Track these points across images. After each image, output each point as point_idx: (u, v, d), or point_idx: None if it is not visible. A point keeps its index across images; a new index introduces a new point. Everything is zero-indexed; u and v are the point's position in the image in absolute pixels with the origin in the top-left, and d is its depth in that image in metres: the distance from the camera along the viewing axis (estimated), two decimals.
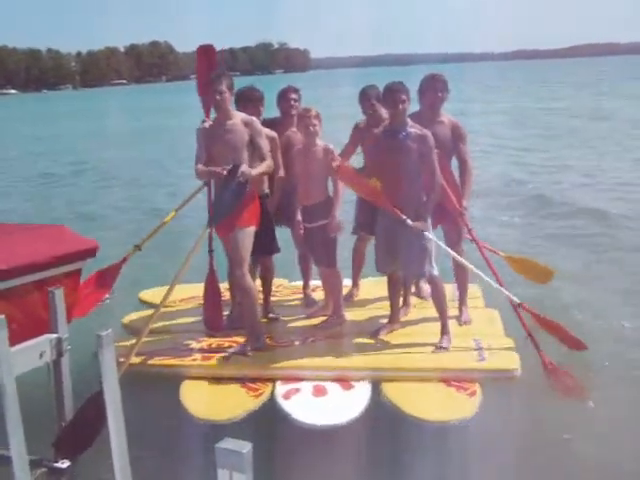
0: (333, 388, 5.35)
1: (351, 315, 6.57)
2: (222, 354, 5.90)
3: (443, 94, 6.26)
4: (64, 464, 4.57)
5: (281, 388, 5.35)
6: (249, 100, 6.45)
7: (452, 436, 4.96)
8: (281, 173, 6.42)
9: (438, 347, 5.82)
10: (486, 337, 6.02)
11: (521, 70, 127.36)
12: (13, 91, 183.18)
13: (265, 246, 6.31)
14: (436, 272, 5.89)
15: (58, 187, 19.41)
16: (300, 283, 7.29)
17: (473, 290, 6.90)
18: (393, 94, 5.67)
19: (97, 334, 3.17)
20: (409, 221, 5.68)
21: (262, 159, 5.89)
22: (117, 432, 3.24)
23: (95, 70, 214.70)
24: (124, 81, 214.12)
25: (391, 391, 5.22)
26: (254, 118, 6.00)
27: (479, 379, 5.38)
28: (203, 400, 5.32)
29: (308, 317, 6.67)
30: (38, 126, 46.57)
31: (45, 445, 4.50)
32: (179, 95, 60.54)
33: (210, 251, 6.44)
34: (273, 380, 5.49)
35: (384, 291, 6.36)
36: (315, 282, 7.15)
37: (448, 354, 5.74)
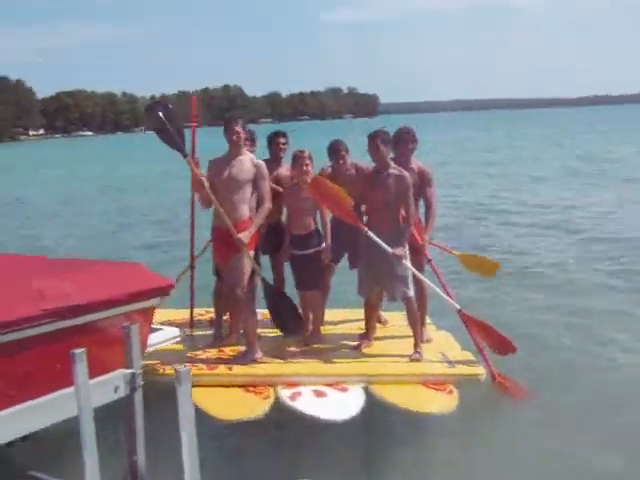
0: (330, 392, 6.09)
1: (326, 333, 7.37)
2: (225, 364, 6.51)
3: (413, 145, 7.17)
4: None
5: (285, 392, 6.03)
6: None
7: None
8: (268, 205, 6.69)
9: (413, 357, 6.69)
10: (447, 351, 6.90)
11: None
12: (89, 133, 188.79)
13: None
14: (411, 293, 6.72)
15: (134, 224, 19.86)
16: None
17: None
18: (373, 140, 6.55)
19: (175, 369, 3.24)
20: (387, 247, 6.47)
21: (261, 201, 6.47)
22: (191, 467, 3.28)
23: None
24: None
25: (382, 392, 6.06)
26: (262, 162, 6.56)
27: (453, 382, 6.26)
28: (218, 404, 5.83)
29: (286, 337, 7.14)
30: (113, 165, 47.89)
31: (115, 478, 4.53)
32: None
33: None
34: (274, 385, 6.17)
35: (344, 316, 7.77)
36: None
37: (423, 363, 6.63)
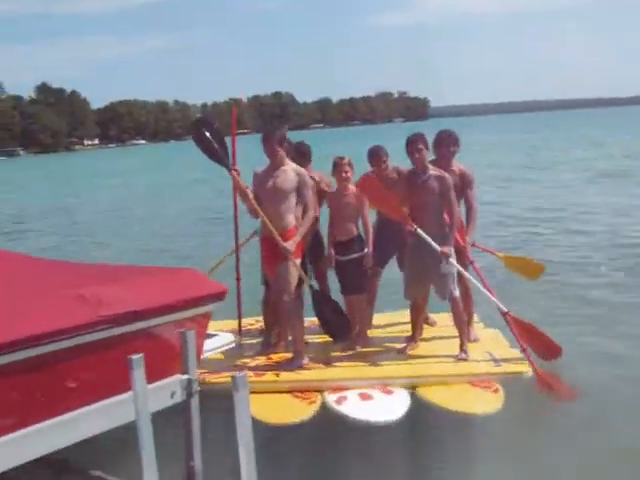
0: (376, 394, 6.13)
1: (372, 336, 7.44)
2: (272, 371, 6.61)
3: (455, 148, 7.22)
4: None
5: (331, 397, 6.08)
6: (299, 153, 7.16)
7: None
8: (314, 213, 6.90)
9: (459, 357, 6.71)
10: (494, 349, 6.91)
11: None
12: (142, 141, 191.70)
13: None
14: (457, 293, 6.80)
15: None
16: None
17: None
18: (413, 145, 6.67)
19: (232, 376, 3.25)
20: (435, 245, 6.59)
21: (305, 209, 6.58)
22: (248, 473, 3.27)
23: (219, 120, 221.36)
24: (247, 130, 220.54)
25: (428, 394, 6.09)
26: (304, 171, 6.67)
27: (499, 380, 6.26)
28: (265, 409, 5.81)
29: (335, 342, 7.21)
30: (167, 174, 48.46)
31: None
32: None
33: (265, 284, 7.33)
34: (320, 391, 6.22)
35: (390, 320, 7.83)
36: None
37: (469, 362, 6.64)
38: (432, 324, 7.79)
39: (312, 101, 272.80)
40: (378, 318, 7.93)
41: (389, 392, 6.17)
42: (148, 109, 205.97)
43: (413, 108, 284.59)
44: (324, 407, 5.99)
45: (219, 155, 6.78)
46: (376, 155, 7.24)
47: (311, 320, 7.46)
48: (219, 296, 5.48)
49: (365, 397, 6.09)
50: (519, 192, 23.38)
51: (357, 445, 5.83)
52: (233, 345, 6.98)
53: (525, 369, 6.47)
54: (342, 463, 5.70)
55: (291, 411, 5.92)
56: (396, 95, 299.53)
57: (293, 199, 6.55)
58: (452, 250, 6.74)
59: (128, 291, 4.74)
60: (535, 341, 6.79)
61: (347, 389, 6.23)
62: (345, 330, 6.93)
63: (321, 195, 7.26)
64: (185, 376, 4.55)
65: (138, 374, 3.75)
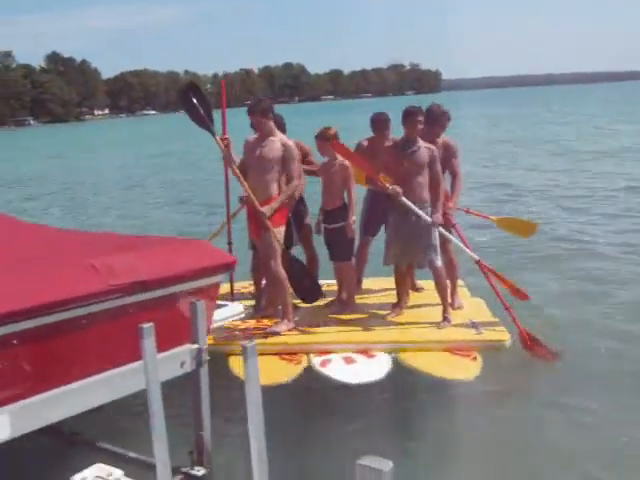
0: (359, 358, 6.42)
1: (358, 302, 7.68)
2: (261, 334, 6.83)
3: (446, 124, 7.56)
4: (200, 472, 4.67)
5: (316, 359, 6.38)
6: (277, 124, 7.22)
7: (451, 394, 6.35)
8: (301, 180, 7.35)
9: (441, 324, 6.97)
10: (478, 317, 7.11)
11: None
12: (153, 112, 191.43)
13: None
14: (439, 263, 7.06)
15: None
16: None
17: (459, 285, 7.95)
18: (414, 116, 6.92)
19: (242, 344, 3.26)
20: (424, 215, 6.86)
21: (289, 180, 6.78)
22: (257, 439, 3.29)
23: (230, 91, 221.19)
24: (225, 106, 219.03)
25: (408, 358, 6.36)
26: (291, 143, 6.87)
27: (478, 348, 6.52)
28: None
29: (324, 306, 7.64)
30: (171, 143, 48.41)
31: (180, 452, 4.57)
32: (310, 116, 61.58)
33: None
34: (307, 353, 6.52)
35: (382, 285, 7.93)
36: (325, 281, 7.93)
37: (450, 329, 6.90)
38: (419, 291, 8.09)
39: (323, 72, 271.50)
40: (369, 284, 8.27)
41: (371, 356, 6.46)
42: (158, 79, 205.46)
43: (425, 80, 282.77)
44: (309, 369, 6.28)
45: (205, 121, 7.02)
46: (378, 122, 7.60)
47: None
48: (228, 267, 5.50)
49: (348, 360, 6.39)
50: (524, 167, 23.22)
51: (340, 404, 6.07)
52: (242, 316, 7.01)
53: (505, 337, 6.71)
54: (324, 421, 5.87)
55: (278, 372, 6.15)
56: (408, 67, 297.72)
57: (278, 169, 6.76)
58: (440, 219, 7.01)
59: (139, 261, 4.74)
60: (505, 284, 7.22)
61: (332, 352, 6.51)
62: (314, 293, 7.29)
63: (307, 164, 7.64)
64: (195, 346, 4.55)
65: (148, 343, 3.76)
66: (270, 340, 6.71)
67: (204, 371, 4.65)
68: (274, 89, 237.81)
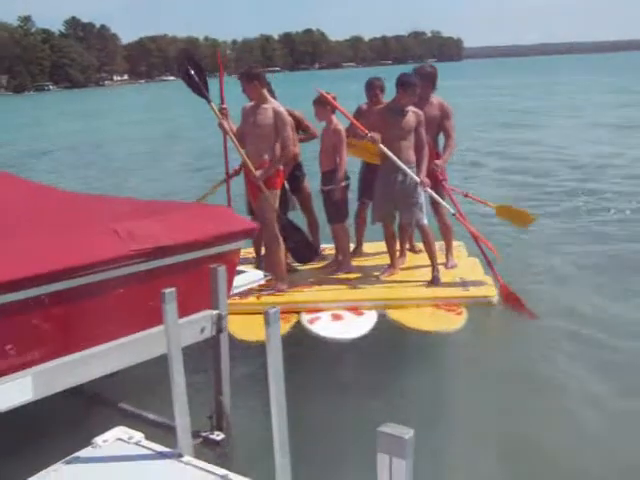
0: (347, 315, 6.69)
1: (356, 264, 7.93)
2: (255, 294, 7.01)
3: (433, 88, 7.72)
4: (219, 436, 4.72)
5: (306, 317, 6.61)
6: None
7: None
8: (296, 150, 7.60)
9: (429, 282, 7.25)
10: (468, 276, 7.41)
11: None
12: (171, 77, 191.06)
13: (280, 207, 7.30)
14: (425, 221, 7.33)
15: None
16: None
17: (458, 245, 8.33)
18: (405, 83, 7.10)
19: (265, 310, 3.26)
20: (414, 175, 7.12)
21: (281, 145, 6.94)
22: (278, 407, 3.30)
23: (249, 58, 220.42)
24: (277, 68, 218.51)
25: (395, 315, 6.64)
26: (282, 110, 7.02)
27: (464, 303, 6.79)
28: (245, 329, 6.28)
29: (322, 268, 7.92)
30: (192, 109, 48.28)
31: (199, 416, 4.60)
32: (330, 82, 61.17)
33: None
34: (298, 312, 6.74)
35: (382, 249, 7.83)
36: (326, 245, 8.42)
37: (437, 287, 7.17)
38: (417, 252, 8.30)
39: (344, 39, 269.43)
40: (370, 247, 8.49)
41: (360, 313, 6.73)
42: (177, 45, 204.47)
43: (446, 48, 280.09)
44: (299, 326, 6.52)
45: (200, 88, 7.21)
46: (371, 86, 7.87)
47: None
48: (249, 232, 5.52)
49: (336, 317, 6.65)
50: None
51: (328, 360, 6.25)
52: (262, 282, 7.03)
53: (491, 293, 7.02)
54: (311, 376, 5.93)
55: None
56: (429, 35, 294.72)
57: (271, 135, 6.95)
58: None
59: (160, 226, 4.77)
60: (482, 241, 7.66)
61: (321, 310, 6.76)
62: (308, 254, 7.64)
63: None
64: (215, 312, 4.58)
65: (170, 308, 3.77)
66: (262, 300, 6.90)
67: (224, 337, 4.68)
68: (294, 56, 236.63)
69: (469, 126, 23.85)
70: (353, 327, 6.44)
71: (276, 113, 6.93)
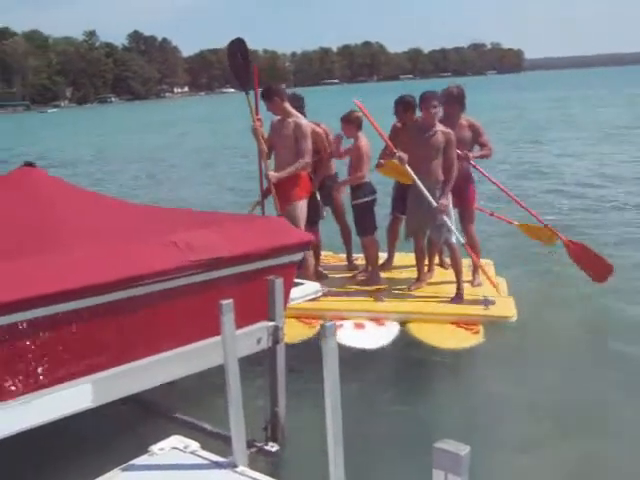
0: (369, 325, 6.93)
1: (385, 276, 8.11)
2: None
3: (461, 107, 7.70)
4: (273, 447, 4.73)
5: (321, 323, 6.18)
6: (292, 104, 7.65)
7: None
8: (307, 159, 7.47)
9: (452, 299, 7.34)
10: (492, 295, 7.36)
11: None
12: (231, 90, 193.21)
13: (311, 217, 7.62)
14: (454, 240, 7.38)
15: None
16: (344, 255, 8.79)
17: (487, 264, 8.24)
18: (428, 101, 7.16)
19: (322, 324, 3.26)
20: (432, 200, 7.17)
21: (298, 156, 7.28)
22: (334, 418, 3.29)
23: (308, 70, 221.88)
24: (336, 81, 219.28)
25: (414, 328, 6.83)
26: (300, 122, 7.36)
27: (482, 322, 6.88)
28: None
29: (351, 277, 8.18)
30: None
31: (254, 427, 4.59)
32: (387, 95, 61.09)
33: None
34: (323, 318, 6.73)
35: (412, 262, 7.91)
36: (359, 255, 8.55)
37: (459, 304, 7.25)
38: (447, 268, 8.30)
39: (402, 51, 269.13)
40: (400, 259, 8.62)
41: (381, 324, 6.95)
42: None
43: (507, 60, 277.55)
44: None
45: (242, 77, 7.58)
46: (395, 104, 7.97)
47: (326, 255, 8.78)
48: (306, 244, 5.52)
49: (359, 326, 6.90)
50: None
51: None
52: (320, 295, 7.04)
53: (510, 314, 7.06)
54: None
55: (293, 333, 6.33)
56: (489, 46, 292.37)
57: (294, 147, 7.31)
58: (450, 200, 7.32)
59: (218, 237, 4.80)
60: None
61: (346, 319, 6.95)
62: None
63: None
64: (271, 323, 4.59)
65: (228, 319, 3.79)
66: (292, 305, 6.82)
67: (281, 348, 4.70)
68: (352, 68, 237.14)
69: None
70: (374, 337, 6.69)
71: (296, 126, 7.32)
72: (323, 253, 8.70)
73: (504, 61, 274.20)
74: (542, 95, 60.59)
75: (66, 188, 5.57)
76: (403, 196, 7.80)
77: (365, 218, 7.79)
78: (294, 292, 6.11)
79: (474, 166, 7.93)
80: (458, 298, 7.33)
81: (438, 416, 5.59)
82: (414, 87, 7.75)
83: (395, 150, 7.26)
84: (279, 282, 4.47)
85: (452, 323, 6.94)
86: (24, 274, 3.93)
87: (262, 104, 7.54)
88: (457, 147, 7.31)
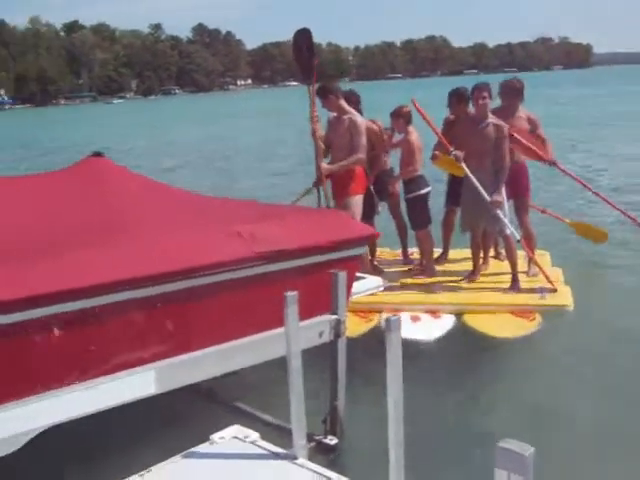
0: (425, 317, 7.00)
1: (441, 269, 8.18)
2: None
3: (520, 97, 7.92)
4: (332, 441, 4.72)
5: (386, 317, 6.14)
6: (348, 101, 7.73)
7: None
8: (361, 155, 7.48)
9: (508, 289, 7.40)
10: (547, 284, 7.36)
11: None
12: (294, 83, 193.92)
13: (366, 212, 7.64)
14: (508, 231, 7.36)
15: None
16: (399, 250, 8.83)
17: (542, 255, 8.34)
18: (478, 92, 7.25)
19: (386, 318, 3.24)
20: (486, 195, 7.18)
21: (352, 152, 7.33)
22: (396, 412, 3.27)
23: (371, 64, 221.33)
24: (399, 75, 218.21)
25: (469, 319, 6.92)
26: (355, 119, 7.40)
27: (538, 311, 6.95)
28: None
29: (407, 271, 8.23)
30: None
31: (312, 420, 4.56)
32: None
33: None
34: (380, 311, 7.06)
35: (467, 255, 8.05)
36: (414, 249, 8.59)
37: (514, 294, 7.33)
38: (502, 259, 8.28)
39: (467, 45, 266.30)
40: (455, 253, 8.66)
41: (437, 316, 7.05)
42: None
43: (574, 54, 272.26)
44: (379, 326, 6.71)
45: (306, 68, 7.49)
46: (448, 96, 8.02)
47: (381, 250, 8.78)
48: (369, 239, 5.51)
49: (415, 319, 6.93)
50: None
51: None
52: (382, 289, 7.02)
53: (567, 302, 7.15)
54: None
55: (351, 327, 6.23)
56: (556, 41, 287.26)
57: (349, 143, 7.37)
58: (503, 193, 7.27)
59: (282, 229, 4.81)
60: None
61: (401, 311, 6.80)
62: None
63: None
64: (334, 316, 4.58)
65: (292, 311, 3.80)
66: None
67: (342, 342, 4.68)
68: (416, 62, 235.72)
69: None
70: (430, 329, 6.76)
71: (351, 122, 7.38)
72: (379, 249, 8.74)
73: (572, 56, 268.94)
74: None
75: (132, 177, 5.63)
76: (457, 189, 7.84)
77: (419, 211, 7.88)
78: (356, 286, 6.10)
79: (563, 170, 8.21)
80: (514, 288, 7.39)
81: (497, 410, 5.51)
82: (475, 81, 7.58)
83: (451, 148, 7.33)
84: (342, 275, 4.46)
85: (508, 313, 7.01)
86: (95, 262, 4.00)
87: (318, 100, 7.56)
88: (519, 135, 7.51)
